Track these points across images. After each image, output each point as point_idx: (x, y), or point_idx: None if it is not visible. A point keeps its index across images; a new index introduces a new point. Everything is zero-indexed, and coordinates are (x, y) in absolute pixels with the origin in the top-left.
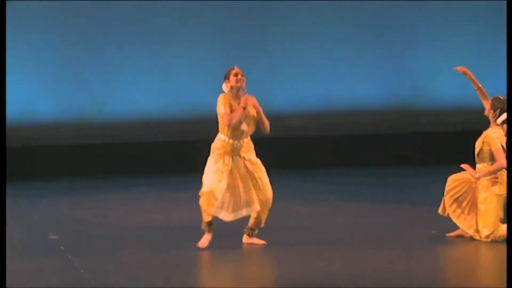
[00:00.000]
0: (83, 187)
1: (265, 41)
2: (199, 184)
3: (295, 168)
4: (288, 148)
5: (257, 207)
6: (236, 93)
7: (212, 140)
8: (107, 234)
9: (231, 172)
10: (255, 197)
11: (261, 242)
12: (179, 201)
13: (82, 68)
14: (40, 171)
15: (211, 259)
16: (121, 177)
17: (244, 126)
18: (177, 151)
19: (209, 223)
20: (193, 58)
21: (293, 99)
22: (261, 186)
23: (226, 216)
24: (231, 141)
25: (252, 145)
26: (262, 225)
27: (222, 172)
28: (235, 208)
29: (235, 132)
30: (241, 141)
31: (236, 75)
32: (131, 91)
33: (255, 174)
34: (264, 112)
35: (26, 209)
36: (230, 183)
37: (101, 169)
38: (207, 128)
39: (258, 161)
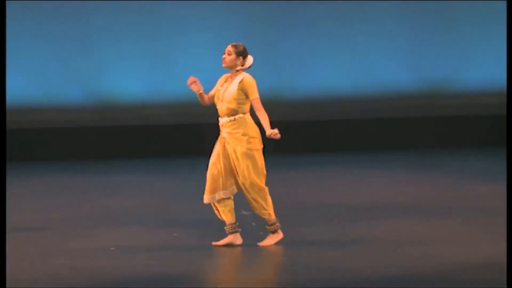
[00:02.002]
0: (277, 163)
1: (454, 22)
2: (390, 162)
3: (485, 146)
4: (480, 127)
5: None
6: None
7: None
8: (298, 211)
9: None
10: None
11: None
12: (368, 179)
13: (274, 47)
14: None
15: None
16: (312, 155)
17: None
18: (368, 128)
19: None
20: (382, 37)
21: (482, 78)
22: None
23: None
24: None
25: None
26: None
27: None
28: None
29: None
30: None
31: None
32: (321, 69)
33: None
34: (452, 89)
35: None
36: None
37: (291, 146)
38: (396, 105)
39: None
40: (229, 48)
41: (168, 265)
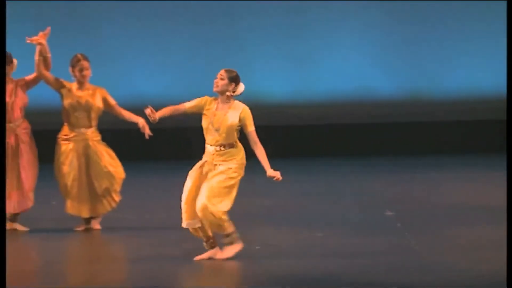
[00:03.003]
0: (411, 164)
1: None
2: None
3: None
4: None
5: None
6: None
7: None
8: (443, 212)
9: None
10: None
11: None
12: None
13: (416, 46)
14: (371, 147)
15: None
16: (452, 155)
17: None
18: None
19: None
20: None
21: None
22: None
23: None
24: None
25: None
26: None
27: None
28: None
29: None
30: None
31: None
32: (465, 69)
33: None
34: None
35: (362, 185)
36: None
37: (433, 147)
38: None
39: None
40: (222, 72)
41: (313, 266)
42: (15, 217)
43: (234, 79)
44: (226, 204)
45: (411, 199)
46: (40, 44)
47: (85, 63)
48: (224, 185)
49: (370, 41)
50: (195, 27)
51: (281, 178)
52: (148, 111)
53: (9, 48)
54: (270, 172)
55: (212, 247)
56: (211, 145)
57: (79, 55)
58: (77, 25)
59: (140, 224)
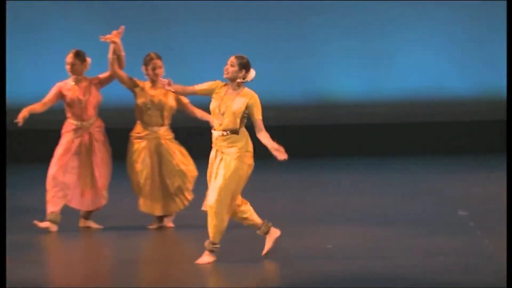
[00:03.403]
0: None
1: None
2: None
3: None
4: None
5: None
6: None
7: None
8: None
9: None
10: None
11: None
12: None
13: (488, 45)
14: (438, 146)
15: None
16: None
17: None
18: None
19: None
20: None
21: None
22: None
23: None
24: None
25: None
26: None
27: None
28: None
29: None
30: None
31: None
32: None
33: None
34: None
35: (435, 184)
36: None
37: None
38: None
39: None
40: (233, 59)
41: (385, 265)
42: (89, 215)
43: (245, 66)
44: (221, 196)
45: (487, 198)
46: (113, 42)
47: (158, 62)
48: (226, 178)
49: (443, 39)
50: (267, 24)
51: (281, 153)
52: (165, 81)
53: (83, 47)
54: (275, 145)
55: (266, 233)
56: (215, 130)
57: (152, 54)
58: (151, 24)
59: None
